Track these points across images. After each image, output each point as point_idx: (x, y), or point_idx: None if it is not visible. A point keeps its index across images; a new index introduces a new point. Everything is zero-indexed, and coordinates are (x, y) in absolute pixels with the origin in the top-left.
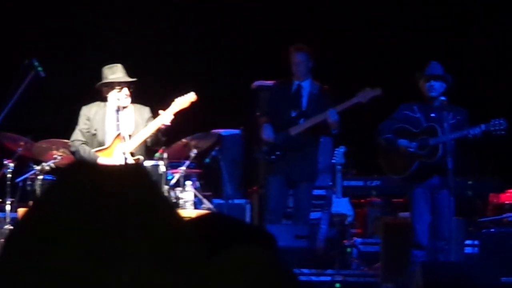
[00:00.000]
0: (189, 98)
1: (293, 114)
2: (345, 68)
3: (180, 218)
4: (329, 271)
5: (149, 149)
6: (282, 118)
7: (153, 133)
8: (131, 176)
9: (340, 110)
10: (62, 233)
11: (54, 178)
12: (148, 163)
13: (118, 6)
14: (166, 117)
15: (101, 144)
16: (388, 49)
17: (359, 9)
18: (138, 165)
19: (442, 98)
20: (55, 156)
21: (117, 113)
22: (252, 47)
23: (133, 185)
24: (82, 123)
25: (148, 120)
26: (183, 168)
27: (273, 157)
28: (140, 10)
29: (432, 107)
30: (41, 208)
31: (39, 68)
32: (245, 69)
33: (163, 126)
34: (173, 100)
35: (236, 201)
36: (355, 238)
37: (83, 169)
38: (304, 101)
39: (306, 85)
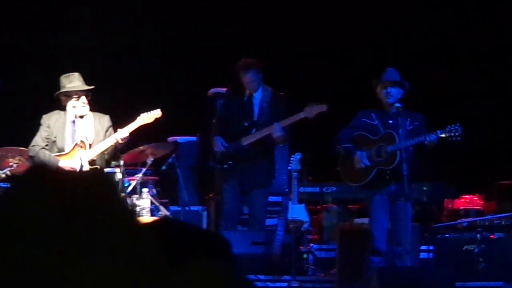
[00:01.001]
0: (154, 114)
1: (245, 124)
2: (299, 76)
3: (138, 223)
4: (285, 278)
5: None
6: (234, 127)
7: (110, 148)
8: (93, 181)
9: (284, 125)
10: (24, 231)
11: (15, 180)
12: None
13: (77, 14)
14: (122, 134)
15: (60, 150)
16: (344, 55)
17: (313, 16)
18: (99, 170)
19: (398, 104)
20: (11, 163)
21: (77, 121)
22: (209, 54)
23: (94, 189)
24: (43, 130)
25: (108, 129)
26: (140, 175)
27: (225, 166)
28: (99, 18)
29: (390, 114)
30: (3, 207)
31: None
32: (202, 76)
33: (119, 143)
34: (138, 114)
35: (193, 208)
36: (311, 244)
37: (43, 171)
38: (256, 111)
39: (258, 95)
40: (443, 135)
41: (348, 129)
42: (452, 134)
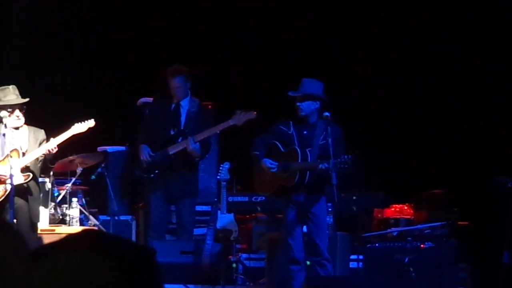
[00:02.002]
0: (87, 124)
1: (172, 132)
2: (225, 85)
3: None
4: (215, 287)
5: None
6: (161, 136)
7: (40, 159)
8: None
9: (199, 139)
10: None
11: None
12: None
13: (9, 24)
14: (50, 145)
15: None
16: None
17: (233, 24)
18: None
19: (326, 114)
20: None
21: (10, 133)
22: (138, 64)
23: None
24: None
25: (42, 142)
26: (69, 184)
27: (152, 175)
28: (31, 30)
29: (306, 125)
30: None
31: None
32: (131, 85)
33: (48, 153)
34: (71, 124)
35: (122, 217)
36: (240, 254)
37: None
38: (183, 119)
39: (185, 104)
40: (332, 166)
41: (264, 136)
42: (342, 165)
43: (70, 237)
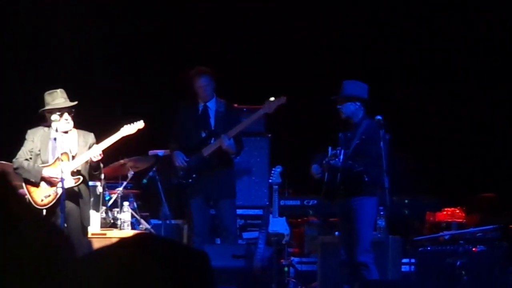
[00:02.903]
0: (137, 125)
1: (203, 134)
2: (246, 83)
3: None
4: None
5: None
6: (193, 140)
7: (86, 165)
8: None
9: (232, 135)
10: None
11: None
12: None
13: (58, 29)
14: (94, 152)
15: (44, 163)
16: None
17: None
18: None
19: (378, 117)
20: None
21: (60, 137)
22: (191, 65)
23: None
24: (27, 144)
25: (91, 145)
26: (121, 188)
27: (190, 180)
28: (83, 35)
29: (350, 126)
30: None
31: None
32: (184, 89)
33: (92, 161)
34: (121, 125)
35: (173, 221)
36: (292, 257)
37: None
38: (212, 120)
39: (212, 105)
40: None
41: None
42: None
43: (123, 240)
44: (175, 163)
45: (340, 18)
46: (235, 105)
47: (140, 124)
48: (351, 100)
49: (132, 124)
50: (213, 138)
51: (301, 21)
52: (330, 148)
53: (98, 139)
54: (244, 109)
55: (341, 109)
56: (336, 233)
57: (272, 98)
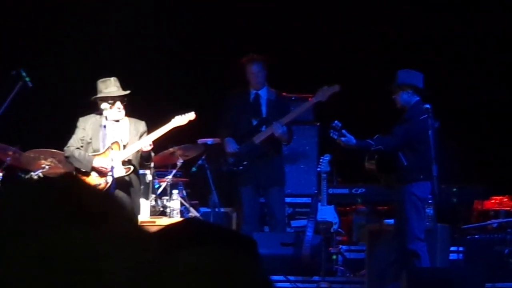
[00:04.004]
0: (188, 116)
1: (255, 122)
2: (298, 73)
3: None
4: (315, 278)
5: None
6: (244, 127)
7: (137, 154)
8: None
9: (285, 122)
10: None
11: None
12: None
13: (111, 18)
14: (145, 142)
15: (95, 151)
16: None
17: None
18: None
19: (426, 106)
20: (43, 165)
21: (111, 125)
22: (240, 55)
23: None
24: (78, 132)
25: (142, 134)
26: (170, 177)
27: (241, 167)
28: (132, 23)
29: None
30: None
31: (27, 78)
32: (233, 78)
33: (143, 150)
34: (172, 116)
35: (222, 209)
36: (340, 245)
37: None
38: (264, 108)
39: (263, 93)
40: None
41: None
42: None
43: (171, 226)
44: (227, 149)
45: (395, 5)
46: (284, 93)
47: (191, 116)
48: (403, 89)
49: (183, 115)
50: (264, 126)
51: (355, 8)
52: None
53: (149, 128)
54: (293, 98)
55: (396, 98)
56: (385, 221)
57: (325, 86)
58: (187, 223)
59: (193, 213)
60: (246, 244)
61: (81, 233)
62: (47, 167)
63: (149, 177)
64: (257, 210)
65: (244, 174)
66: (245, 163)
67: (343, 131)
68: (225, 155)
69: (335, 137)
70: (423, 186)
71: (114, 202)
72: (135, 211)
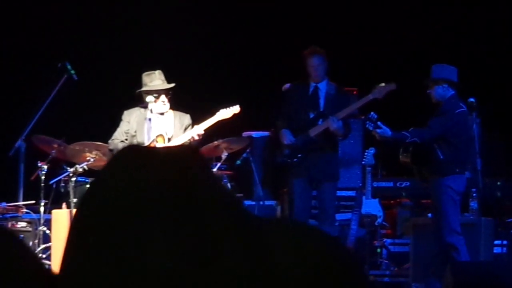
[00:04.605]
0: (233, 110)
1: (312, 115)
2: (356, 67)
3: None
4: None
5: None
6: (300, 120)
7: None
8: (185, 160)
9: (340, 117)
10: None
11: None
12: None
13: (156, 11)
14: (197, 130)
15: (140, 144)
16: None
17: (365, 8)
18: (189, 147)
19: (471, 99)
20: (88, 158)
21: (156, 118)
22: (285, 50)
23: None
24: (123, 125)
25: (187, 127)
26: (215, 169)
27: (295, 160)
28: (178, 16)
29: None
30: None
31: (72, 71)
32: (278, 71)
33: (194, 139)
34: (217, 109)
35: (267, 202)
36: (385, 239)
37: (132, 154)
38: (322, 102)
39: (323, 86)
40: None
41: None
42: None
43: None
44: (283, 141)
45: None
46: (345, 88)
47: (236, 109)
48: (438, 83)
49: (228, 108)
50: (321, 119)
51: (411, 6)
52: None
53: (194, 121)
54: (354, 92)
55: (431, 93)
56: (429, 214)
57: (382, 84)
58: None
59: None
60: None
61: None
62: (92, 159)
63: None
64: (308, 203)
65: (298, 167)
66: (299, 155)
67: (379, 122)
68: (281, 147)
69: (371, 128)
70: (458, 179)
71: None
72: None
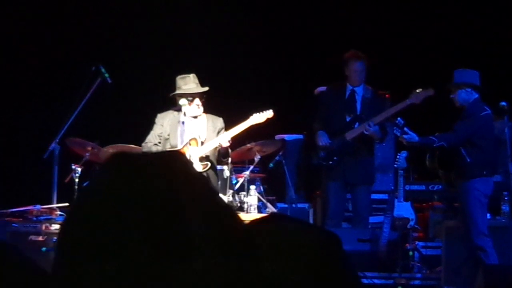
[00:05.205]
0: (266, 114)
1: (348, 118)
2: (393, 72)
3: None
4: (393, 275)
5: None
6: (337, 123)
7: (215, 150)
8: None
9: (377, 122)
10: (119, 232)
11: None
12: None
13: (190, 14)
14: (223, 139)
15: (173, 147)
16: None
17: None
18: (176, 156)
19: (503, 103)
20: None
21: (189, 121)
22: (318, 54)
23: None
24: (156, 128)
25: (220, 130)
26: (248, 172)
27: (330, 162)
28: (211, 19)
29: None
30: (93, 205)
31: (106, 75)
32: (310, 74)
33: (221, 146)
34: (250, 113)
35: (300, 205)
36: (417, 242)
37: (122, 158)
38: (358, 105)
39: (359, 90)
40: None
41: None
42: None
43: (257, 220)
44: (319, 142)
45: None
46: (386, 94)
47: (269, 113)
48: (461, 87)
49: (261, 112)
50: (357, 123)
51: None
52: None
53: (227, 125)
54: (386, 96)
55: (454, 97)
56: None
57: (419, 89)
58: (273, 217)
59: (271, 208)
60: (333, 241)
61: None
62: None
63: (226, 173)
64: (342, 206)
65: (333, 170)
66: (335, 158)
67: (406, 128)
68: (316, 149)
69: (398, 134)
70: (486, 182)
71: (209, 184)
72: None
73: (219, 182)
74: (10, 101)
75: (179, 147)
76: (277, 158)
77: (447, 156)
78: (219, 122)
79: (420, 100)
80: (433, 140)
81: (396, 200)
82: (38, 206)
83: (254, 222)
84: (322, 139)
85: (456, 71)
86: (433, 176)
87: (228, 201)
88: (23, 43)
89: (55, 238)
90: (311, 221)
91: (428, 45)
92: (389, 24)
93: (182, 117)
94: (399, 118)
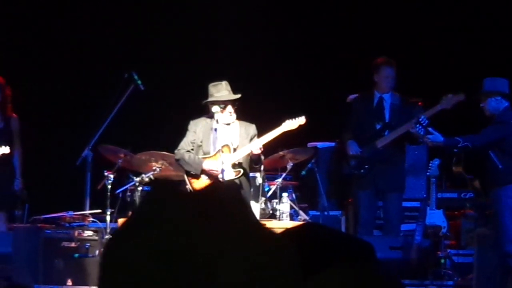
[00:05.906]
0: (298, 121)
1: (378, 126)
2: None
3: (272, 235)
4: (425, 282)
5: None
6: (367, 131)
7: (248, 157)
8: (221, 199)
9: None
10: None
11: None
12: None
13: (222, 21)
14: (255, 145)
15: (206, 154)
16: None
17: (430, 16)
18: (226, 187)
19: None
20: (154, 167)
21: (222, 128)
22: (350, 62)
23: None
24: (189, 135)
25: (253, 137)
26: (280, 180)
27: (362, 171)
28: (244, 26)
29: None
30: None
31: (139, 81)
32: (343, 81)
33: (253, 153)
34: (282, 120)
35: (332, 213)
36: (449, 250)
37: (166, 191)
38: (387, 113)
39: (388, 97)
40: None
41: None
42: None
43: (291, 230)
44: (349, 152)
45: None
46: (412, 99)
47: (301, 120)
48: (491, 95)
49: (293, 119)
50: (387, 131)
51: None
52: None
53: (259, 132)
54: (419, 103)
55: (484, 106)
56: None
57: (450, 94)
58: (307, 227)
59: (303, 216)
60: (365, 249)
61: (197, 227)
62: (158, 169)
63: (259, 180)
64: (373, 214)
65: (364, 178)
66: (366, 166)
67: (430, 128)
68: (347, 158)
69: (422, 132)
70: None
71: (236, 195)
72: None
73: (252, 189)
74: (44, 108)
75: (211, 153)
76: (309, 165)
77: (474, 161)
78: (252, 129)
79: (451, 105)
80: (458, 140)
81: (428, 208)
82: (71, 213)
83: (287, 232)
84: (353, 148)
85: (486, 80)
86: (465, 184)
87: (261, 208)
88: (57, 51)
89: (87, 244)
90: (343, 228)
91: (458, 52)
92: (420, 31)
93: (214, 124)
94: (422, 116)
